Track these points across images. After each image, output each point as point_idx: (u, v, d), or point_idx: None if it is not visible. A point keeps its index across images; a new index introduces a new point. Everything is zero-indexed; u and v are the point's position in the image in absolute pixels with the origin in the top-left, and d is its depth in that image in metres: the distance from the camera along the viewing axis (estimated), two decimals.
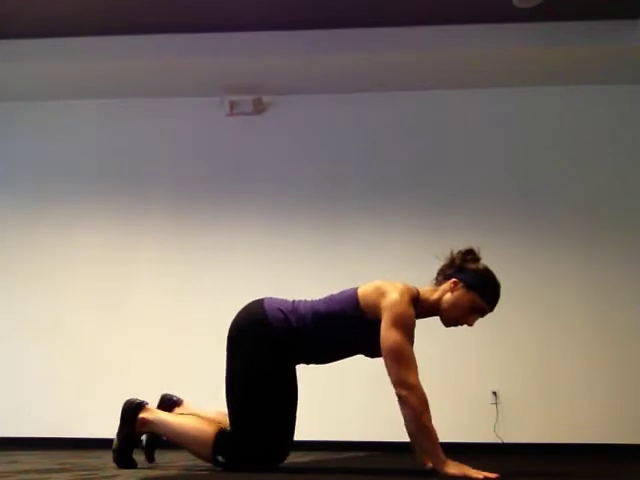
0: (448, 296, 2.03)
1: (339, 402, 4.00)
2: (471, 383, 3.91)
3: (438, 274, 2.11)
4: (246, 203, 4.48)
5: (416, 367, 1.89)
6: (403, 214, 4.38)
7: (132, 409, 2.08)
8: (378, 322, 1.93)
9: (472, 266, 2.05)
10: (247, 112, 4.57)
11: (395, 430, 3.92)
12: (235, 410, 2.00)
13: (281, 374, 2.03)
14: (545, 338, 4.07)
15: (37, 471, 1.85)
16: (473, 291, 2.00)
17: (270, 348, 1.99)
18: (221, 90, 4.53)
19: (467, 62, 4.27)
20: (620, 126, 4.45)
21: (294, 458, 2.83)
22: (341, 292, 2.08)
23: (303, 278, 4.18)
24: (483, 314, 2.04)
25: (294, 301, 2.09)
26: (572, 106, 4.50)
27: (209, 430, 2.00)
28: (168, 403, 2.30)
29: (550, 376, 4.01)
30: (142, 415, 2.07)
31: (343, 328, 2.00)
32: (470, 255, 2.09)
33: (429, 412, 1.84)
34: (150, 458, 2.22)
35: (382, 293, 1.96)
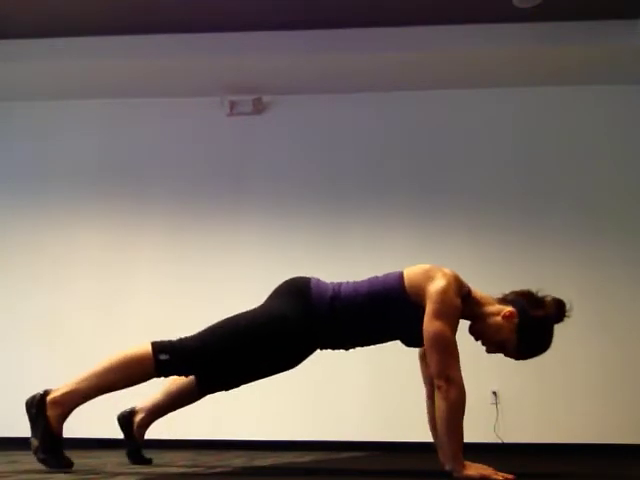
0: (497, 319, 1.92)
1: (338, 402, 4.00)
2: (471, 383, 3.89)
3: (512, 292, 1.99)
4: (246, 203, 4.48)
5: (459, 359, 1.83)
6: (403, 214, 4.38)
7: (35, 399, 1.88)
8: (420, 307, 1.86)
9: (542, 317, 1.89)
10: (247, 112, 4.57)
11: (395, 430, 3.94)
12: (226, 330, 1.95)
13: (299, 346, 2.00)
14: None
15: (37, 471, 1.85)
16: (518, 335, 1.90)
17: (304, 326, 1.95)
18: (221, 90, 4.54)
19: (467, 62, 4.27)
20: (620, 126, 4.45)
21: (293, 458, 2.83)
22: (386, 274, 2.01)
23: None
24: (505, 355, 1.97)
25: (335, 283, 2.05)
26: (572, 106, 4.50)
27: (137, 346, 1.93)
28: (128, 417, 2.24)
29: (550, 376, 4.01)
30: (50, 397, 1.88)
31: (385, 309, 1.93)
32: (552, 306, 1.90)
33: (464, 410, 1.79)
34: (138, 457, 2.21)
35: (430, 277, 1.87)
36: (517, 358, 1.96)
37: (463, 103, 4.56)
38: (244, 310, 2.04)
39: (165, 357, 1.89)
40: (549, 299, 1.92)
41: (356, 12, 4.04)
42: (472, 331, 1.99)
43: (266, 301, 2.07)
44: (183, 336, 1.98)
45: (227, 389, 2.13)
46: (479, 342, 2.01)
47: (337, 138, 4.57)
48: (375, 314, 1.95)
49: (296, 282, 2.08)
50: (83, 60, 4.32)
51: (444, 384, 1.79)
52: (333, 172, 4.51)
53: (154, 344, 1.93)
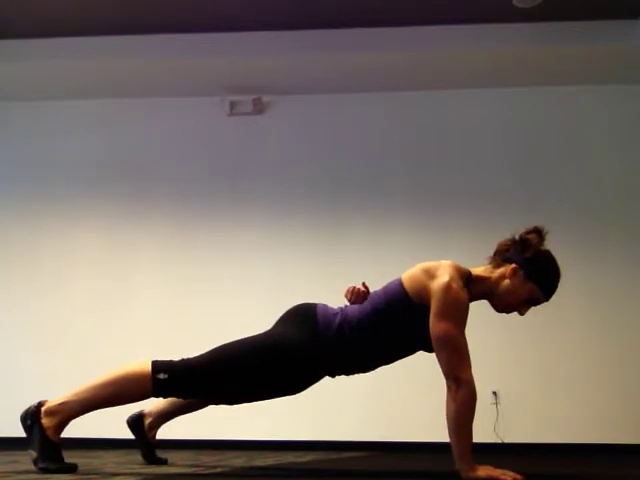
0: (506, 282, 1.92)
1: (338, 402, 4.00)
2: None
3: (496, 253, 1.99)
4: (246, 203, 4.48)
5: (469, 358, 1.81)
6: (403, 214, 4.38)
7: (29, 410, 1.90)
8: (428, 308, 1.82)
9: (536, 253, 1.92)
10: (247, 112, 4.57)
11: (395, 430, 3.94)
12: (228, 355, 1.92)
13: (303, 374, 1.98)
14: (545, 338, 4.07)
15: (37, 471, 1.85)
16: (533, 282, 1.90)
17: (309, 354, 1.92)
18: (221, 90, 4.53)
19: (467, 62, 4.27)
20: (620, 126, 4.44)
21: (294, 458, 2.83)
22: (385, 286, 1.98)
23: (303, 278, 4.18)
24: (537, 304, 1.96)
25: (342, 308, 2.02)
26: (572, 106, 4.49)
27: (138, 362, 1.92)
28: (138, 419, 2.28)
29: (550, 376, 4.01)
30: (45, 407, 1.89)
31: (394, 321, 1.90)
32: (534, 239, 1.95)
33: (474, 412, 1.77)
34: (153, 458, 2.24)
35: (431, 275, 1.84)
36: (547, 299, 1.95)
37: (463, 103, 4.55)
38: (244, 333, 2.03)
39: (164, 376, 1.87)
40: (525, 235, 1.96)
41: (356, 12, 4.04)
42: (498, 309, 1.99)
43: (272, 328, 2.03)
44: (185, 357, 1.97)
45: (230, 404, 2.10)
46: (505, 315, 2.00)
47: (337, 138, 4.57)
48: (385, 329, 1.92)
49: (302, 309, 2.03)
50: (83, 60, 4.31)
51: (453, 385, 1.78)
52: (333, 172, 4.51)
53: (154, 363, 1.91)
